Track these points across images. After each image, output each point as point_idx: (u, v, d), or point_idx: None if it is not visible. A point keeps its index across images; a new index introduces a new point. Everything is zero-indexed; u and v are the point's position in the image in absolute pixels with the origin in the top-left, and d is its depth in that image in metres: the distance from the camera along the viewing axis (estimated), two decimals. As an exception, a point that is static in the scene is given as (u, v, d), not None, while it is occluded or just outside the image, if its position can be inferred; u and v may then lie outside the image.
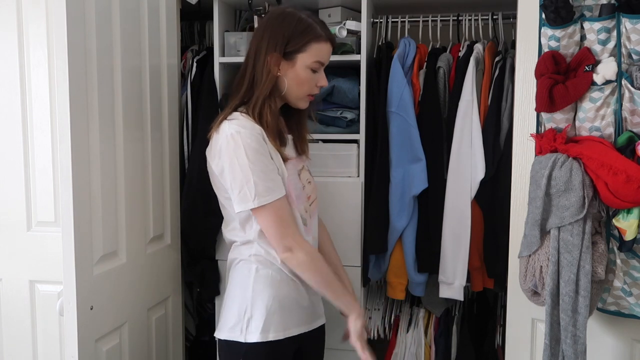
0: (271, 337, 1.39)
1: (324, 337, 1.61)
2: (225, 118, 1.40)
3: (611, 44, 1.36)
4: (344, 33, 1.94)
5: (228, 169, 1.36)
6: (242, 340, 1.40)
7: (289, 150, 1.49)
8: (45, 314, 1.76)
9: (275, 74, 1.41)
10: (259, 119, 1.39)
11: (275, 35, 1.41)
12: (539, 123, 1.53)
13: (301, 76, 1.42)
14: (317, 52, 1.42)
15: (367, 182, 1.98)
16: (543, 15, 1.42)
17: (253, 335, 1.39)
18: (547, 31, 1.40)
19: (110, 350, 1.57)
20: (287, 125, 1.54)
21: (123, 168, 1.58)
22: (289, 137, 1.52)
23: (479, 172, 1.85)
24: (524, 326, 1.63)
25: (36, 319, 1.77)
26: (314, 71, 1.43)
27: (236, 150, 1.34)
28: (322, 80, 1.46)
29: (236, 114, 1.41)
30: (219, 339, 1.46)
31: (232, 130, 1.35)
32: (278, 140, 1.44)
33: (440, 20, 2.07)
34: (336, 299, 1.45)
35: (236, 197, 1.37)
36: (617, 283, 1.41)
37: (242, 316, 1.41)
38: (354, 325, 1.46)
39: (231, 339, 1.42)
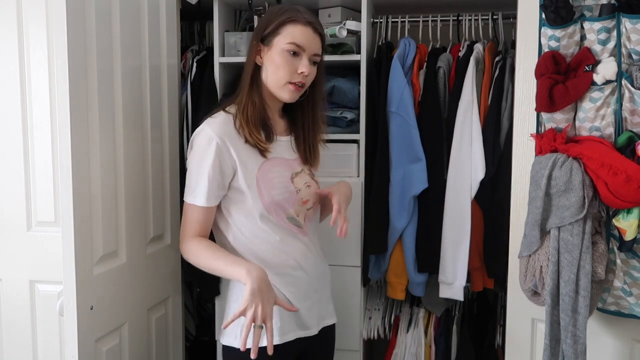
0: (265, 342, 1.38)
1: (331, 337, 1.60)
2: (210, 116, 1.44)
3: (611, 44, 1.36)
4: (344, 33, 1.94)
5: (188, 160, 1.43)
6: (237, 346, 1.37)
7: (283, 151, 1.48)
8: (45, 314, 1.76)
9: (253, 59, 1.43)
10: (240, 112, 1.42)
11: (258, 26, 1.45)
12: (539, 123, 1.53)
13: (276, 60, 1.39)
14: (291, 34, 1.38)
15: (367, 182, 1.98)
16: (543, 15, 1.42)
17: (247, 340, 1.38)
18: (547, 31, 1.40)
19: (110, 350, 1.56)
20: (289, 128, 1.52)
21: (123, 168, 1.58)
22: (289, 137, 1.50)
23: (479, 172, 1.85)
24: (524, 326, 1.63)
25: (36, 319, 1.77)
26: (292, 55, 1.39)
27: (197, 146, 1.40)
28: (302, 67, 1.38)
29: (219, 114, 1.44)
30: (221, 344, 1.47)
31: (202, 127, 1.41)
32: (263, 136, 1.42)
33: (440, 20, 2.07)
34: (225, 270, 1.37)
35: (185, 188, 1.43)
36: (617, 283, 1.41)
37: (237, 322, 1.39)
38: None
39: (228, 344, 1.43)
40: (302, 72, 1.38)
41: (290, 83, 1.39)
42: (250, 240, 1.43)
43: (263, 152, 1.42)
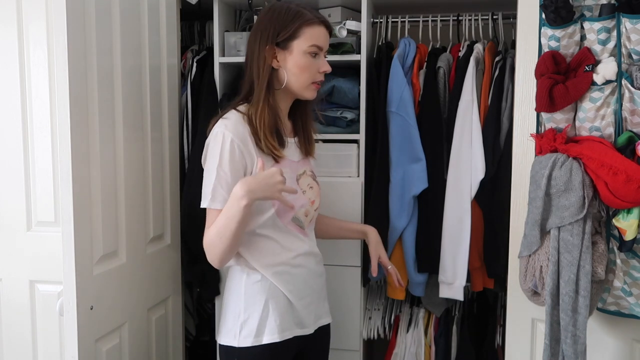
0: (265, 340, 1.40)
1: (327, 336, 1.60)
2: (222, 116, 1.41)
3: (611, 44, 1.36)
4: (344, 33, 1.94)
5: (205, 163, 1.40)
6: (236, 345, 1.41)
7: (291, 153, 1.49)
8: (45, 314, 1.76)
9: (270, 64, 1.41)
10: (256, 116, 1.39)
11: (267, 28, 1.41)
12: (539, 123, 1.53)
13: (300, 63, 1.40)
14: (311, 36, 1.40)
15: (367, 182, 1.98)
16: (543, 15, 1.42)
17: (247, 339, 1.40)
18: (547, 31, 1.40)
19: (110, 350, 1.57)
20: (294, 128, 1.53)
21: (123, 168, 1.58)
22: (295, 139, 1.51)
23: (479, 172, 1.85)
24: (524, 326, 1.63)
25: (36, 319, 1.77)
26: (313, 56, 1.42)
27: (214, 149, 1.36)
28: (324, 66, 1.44)
29: (231, 113, 1.42)
30: (218, 344, 1.47)
31: (218, 129, 1.37)
32: (276, 140, 1.42)
33: (440, 20, 2.07)
34: (228, 218, 1.30)
35: (202, 193, 1.39)
36: (617, 283, 1.41)
37: (236, 321, 1.43)
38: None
39: (226, 344, 1.43)
40: (324, 71, 1.44)
41: (312, 82, 1.44)
42: (251, 238, 1.43)
43: (276, 158, 1.42)
